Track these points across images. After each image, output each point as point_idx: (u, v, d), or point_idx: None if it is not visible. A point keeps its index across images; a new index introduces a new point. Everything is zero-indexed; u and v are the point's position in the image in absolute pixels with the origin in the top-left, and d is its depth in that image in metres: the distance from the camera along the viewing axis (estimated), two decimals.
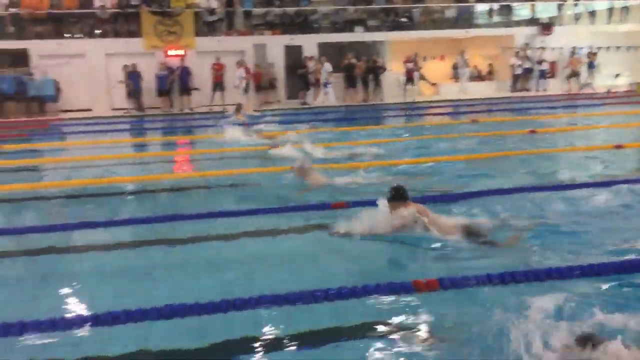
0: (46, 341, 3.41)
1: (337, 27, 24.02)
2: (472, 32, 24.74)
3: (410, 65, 22.54)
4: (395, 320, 3.44)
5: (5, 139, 13.99)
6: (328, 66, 21.85)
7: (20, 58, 21.47)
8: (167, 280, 4.53)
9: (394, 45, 24.27)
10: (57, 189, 7.99)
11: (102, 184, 8.29)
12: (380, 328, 3.33)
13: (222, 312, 3.39)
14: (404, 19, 24.67)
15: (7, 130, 16.29)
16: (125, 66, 20.97)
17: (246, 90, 21.60)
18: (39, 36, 21.81)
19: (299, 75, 22.25)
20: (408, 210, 5.06)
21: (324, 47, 23.18)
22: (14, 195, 7.61)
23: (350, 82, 22.50)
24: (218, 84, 21.54)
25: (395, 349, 3.14)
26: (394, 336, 3.33)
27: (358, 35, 23.74)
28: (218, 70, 21.51)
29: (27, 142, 13.45)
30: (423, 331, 3.34)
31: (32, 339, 3.40)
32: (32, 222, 6.33)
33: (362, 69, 22.41)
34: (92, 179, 8.65)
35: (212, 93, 21.65)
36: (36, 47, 21.37)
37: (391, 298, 3.62)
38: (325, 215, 5.98)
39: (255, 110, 19.76)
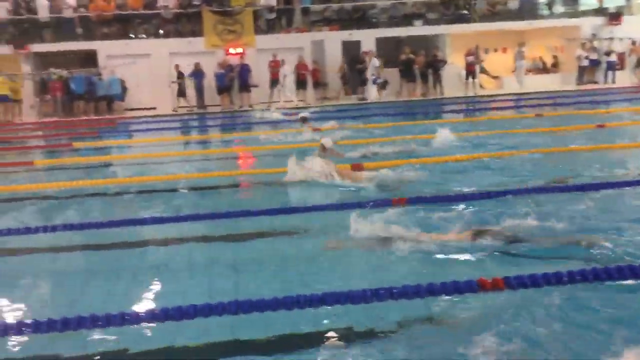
0: (115, 336, 3.56)
1: (395, 22, 23.81)
2: (536, 23, 23.98)
3: (471, 58, 22.06)
4: (459, 318, 3.39)
5: (76, 137, 14.64)
6: (376, 61, 21.71)
7: (89, 59, 22.40)
8: (232, 276, 4.63)
9: (454, 38, 23.85)
10: (125, 185, 8.26)
11: (167, 180, 8.51)
12: (444, 327, 3.29)
13: (287, 308, 3.43)
14: (464, 11, 24.20)
15: (78, 129, 17.04)
16: (177, 65, 21.56)
17: (271, 87, 21.79)
18: (107, 37, 22.65)
19: (357, 71, 22.18)
20: None
21: (382, 42, 23.05)
22: (84, 192, 7.92)
23: (409, 76, 22.27)
24: (275, 81, 21.78)
25: (460, 349, 3.11)
26: (458, 335, 3.30)
27: (417, 29, 23.46)
28: (275, 67, 21.74)
29: (96, 140, 14.00)
30: (485, 329, 3.29)
31: (103, 333, 3.55)
32: (103, 217, 6.52)
33: (422, 63, 22.13)
34: (158, 176, 8.90)
35: (270, 90, 21.92)
36: (104, 48, 22.21)
37: (454, 297, 3.59)
38: (385, 212, 5.95)
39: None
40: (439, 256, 4.74)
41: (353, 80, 22.68)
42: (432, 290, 3.45)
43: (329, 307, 3.57)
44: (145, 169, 9.69)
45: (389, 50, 22.58)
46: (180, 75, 21.54)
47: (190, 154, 11.00)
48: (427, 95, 22.23)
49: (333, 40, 23.03)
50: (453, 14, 24.07)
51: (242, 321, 3.51)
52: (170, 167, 9.88)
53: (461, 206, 6.13)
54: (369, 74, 21.79)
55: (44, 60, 22.58)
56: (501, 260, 4.60)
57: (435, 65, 22.04)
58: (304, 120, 13.28)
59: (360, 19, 23.76)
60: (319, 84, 22.48)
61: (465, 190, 6.92)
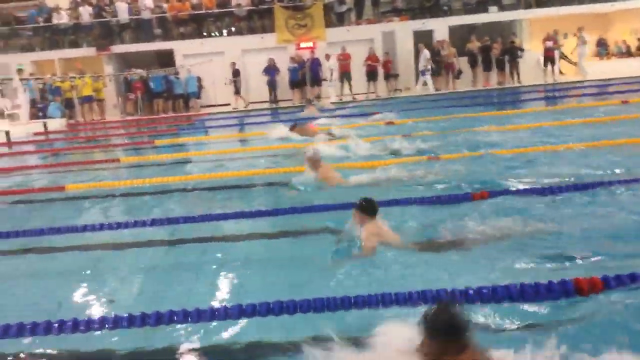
0: (194, 330, 3.63)
1: (469, 9, 23.16)
2: (619, 4, 22.63)
3: (550, 43, 21.15)
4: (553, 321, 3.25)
5: (156, 135, 15.19)
6: (427, 53, 21.23)
7: (167, 58, 23.17)
8: (313, 272, 4.62)
9: (531, 24, 22.95)
10: (204, 181, 8.44)
11: (244, 176, 8.65)
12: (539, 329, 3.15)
13: (344, 309, 3.41)
14: None
15: (157, 127, 17.66)
16: (233, 64, 21.90)
17: (341, 80, 21.71)
18: (183, 37, 23.35)
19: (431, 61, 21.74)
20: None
21: (455, 30, 22.52)
22: (166, 188, 8.17)
23: (485, 64, 21.63)
24: (345, 74, 21.71)
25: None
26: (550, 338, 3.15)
27: (493, 15, 22.73)
28: (344, 60, 21.68)
29: (175, 137, 14.45)
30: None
31: (180, 328, 3.63)
32: (183, 213, 6.66)
33: (498, 50, 21.42)
34: (234, 172, 9.06)
35: (340, 83, 21.89)
36: (180, 47, 22.92)
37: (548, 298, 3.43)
38: (466, 207, 5.81)
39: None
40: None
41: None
42: (526, 292, 3.31)
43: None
44: (222, 165, 9.87)
45: (463, 39, 21.99)
46: (236, 73, 21.89)
47: (266, 149, 11.12)
48: (503, 84, 21.54)
49: (404, 31, 22.70)
50: None
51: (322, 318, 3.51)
52: (246, 162, 10.04)
53: (546, 199, 5.90)
54: (420, 66, 21.43)
55: (124, 61, 23.58)
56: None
57: (512, 52, 21.28)
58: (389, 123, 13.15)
59: (432, 7, 23.28)
60: (390, 75, 22.24)
61: (549, 181, 6.64)
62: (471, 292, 3.43)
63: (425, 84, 21.44)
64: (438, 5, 23.29)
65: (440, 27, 22.49)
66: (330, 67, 21.58)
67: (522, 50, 21.45)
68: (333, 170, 7.46)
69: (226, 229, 6.02)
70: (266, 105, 21.88)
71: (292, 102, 21.86)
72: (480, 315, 3.44)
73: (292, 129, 11.83)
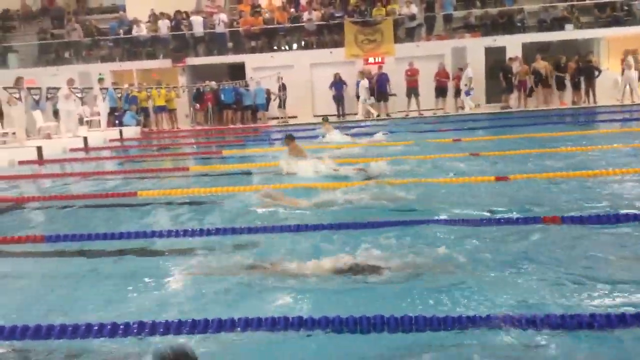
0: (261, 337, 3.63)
1: (544, 26, 22.55)
2: None
3: (630, 62, 20.25)
4: None
5: (224, 145, 15.54)
6: (469, 72, 20.74)
7: (238, 70, 23.75)
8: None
9: (610, 42, 22.08)
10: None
11: (306, 187, 8.64)
12: None
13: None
14: (622, 13, 22.33)
15: (226, 137, 18.08)
16: (279, 78, 22.17)
17: (408, 95, 21.56)
18: (254, 50, 23.90)
19: (502, 78, 21.26)
20: None
21: (527, 48, 21.97)
22: (229, 197, 8.29)
23: (558, 83, 20.97)
24: (412, 89, 21.55)
25: None
26: None
27: (569, 33, 22.03)
28: (412, 76, 21.54)
29: (242, 148, 14.73)
30: None
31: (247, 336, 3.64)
32: (245, 223, 6.71)
33: (573, 69, 20.71)
34: (296, 184, 9.09)
35: (407, 99, 21.75)
36: (251, 60, 23.45)
37: None
38: (534, 230, 5.60)
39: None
40: None
41: (496, 87, 21.84)
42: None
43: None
44: (285, 176, 9.91)
45: (535, 56, 21.40)
46: (282, 88, 22.13)
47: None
48: (578, 103, 20.77)
49: (475, 47, 22.34)
50: (609, 17, 22.29)
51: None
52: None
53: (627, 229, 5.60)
54: (462, 85, 20.99)
55: (197, 73, 24.34)
56: None
57: (588, 72, 20.51)
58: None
59: (506, 24, 22.82)
60: (460, 91, 21.92)
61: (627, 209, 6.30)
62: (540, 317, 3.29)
63: (462, 104, 21.23)
64: (512, 22, 22.81)
65: (513, 44, 22.00)
66: (364, 86, 21.49)
67: (599, 70, 20.62)
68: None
69: (285, 240, 6.00)
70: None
71: (358, 117, 21.89)
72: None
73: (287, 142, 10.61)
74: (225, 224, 6.54)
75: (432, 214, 6.41)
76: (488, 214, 6.33)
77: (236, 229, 6.22)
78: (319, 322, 3.54)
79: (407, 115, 21.38)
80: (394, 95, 22.06)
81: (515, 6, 23.34)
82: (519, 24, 22.79)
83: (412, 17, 23.08)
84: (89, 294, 4.72)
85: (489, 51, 22.30)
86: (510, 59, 21.33)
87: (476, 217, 6.23)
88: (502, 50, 22.11)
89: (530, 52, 21.80)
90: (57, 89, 16.79)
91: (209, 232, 6.12)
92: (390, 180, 8.30)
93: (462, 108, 21.47)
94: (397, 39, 22.96)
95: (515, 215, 6.22)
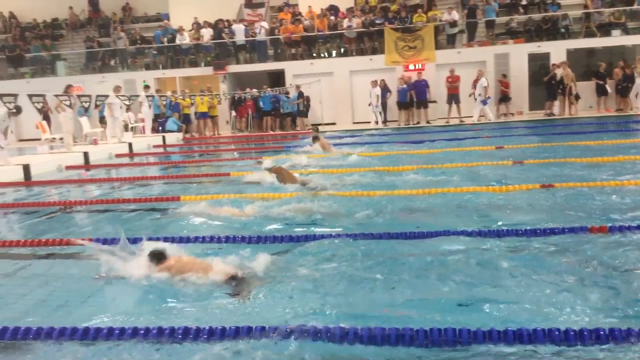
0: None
1: (589, 32, 22.04)
2: None
3: None
4: None
5: (263, 151, 15.67)
6: (484, 81, 20.45)
7: (277, 77, 23.97)
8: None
9: None
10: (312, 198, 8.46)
11: (346, 196, 8.62)
12: None
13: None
14: None
15: (265, 143, 18.23)
16: (297, 86, 22.21)
17: (449, 102, 21.35)
18: (294, 57, 24.08)
19: (546, 85, 20.84)
20: None
21: (572, 54, 21.50)
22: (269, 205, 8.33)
23: (600, 90, 20.48)
24: (453, 97, 21.33)
25: None
26: None
27: (616, 39, 21.48)
28: (452, 83, 21.33)
29: (281, 154, 14.79)
30: None
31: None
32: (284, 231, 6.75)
33: (619, 75, 20.16)
34: (336, 192, 9.07)
35: (448, 106, 21.54)
36: (291, 67, 23.63)
37: None
38: (583, 241, 5.46)
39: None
40: None
41: (540, 94, 21.44)
42: None
43: None
44: (330, 183, 9.91)
45: (581, 62, 20.95)
46: (300, 96, 22.28)
47: (369, 170, 11.11)
48: (625, 110, 20.20)
49: (518, 53, 22.00)
50: None
51: None
52: (351, 181, 10.02)
53: None
54: (477, 95, 20.70)
55: (237, 80, 24.66)
56: None
57: (635, 79, 19.93)
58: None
59: (551, 29, 22.40)
60: (504, 98, 21.62)
61: None
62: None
63: (482, 113, 20.91)
64: (556, 28, 22.37)
65: (557, 50, 21.56)
66: (376, 94, 21.40)
67: None
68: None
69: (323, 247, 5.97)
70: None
71: (399, 124, 21.79)
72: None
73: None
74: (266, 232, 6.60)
75: (473, 224, 6.32)
76: (532, 223, 6.19)
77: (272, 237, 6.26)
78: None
79: (447, 122, 21.17)
80: (434, 102, 21.89)
81: (560, 12, 22.89)
82: (563, 30, 22.35)
83: (454, 24, 22.88)
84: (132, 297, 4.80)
85: (532, 57, 21.92)
86: (554, 65, 20.90)
87: (520, 226, 6.10)
88: (546, 56, 21.70)
89: (575, 58, 21.35)
90: (105, 96, 17.27)
91: (249, 240, 6.17)
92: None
93: (512, 114, 21.33)
94: (437, 46, 22.80)
95: (560, 225, 6.07)
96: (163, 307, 4.45)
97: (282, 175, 9.19)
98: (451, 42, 23.20)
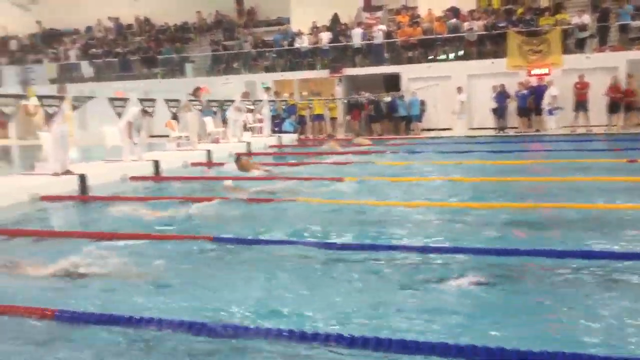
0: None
1: None
2: None
3: None
4: None
5: (376, 154, 15.64)
6: (553, 90, 19.00)
7: (393, 80, 23.88)
8: None
9: None
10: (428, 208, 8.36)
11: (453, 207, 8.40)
12: None
13: None
14: None
15: (378, 147, 18.12)
16: (361, 93, 22.31)
17: (576, 110, 20.21)
18: (410, 61, 23.88)
19: None
20: None
21: None
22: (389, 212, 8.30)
23: None
24: (581, 104, 20.12)
25: None
26: None
27: None
28: (581, 89, 20.12)
29: (395, 160, 14.70)
30: None
31: None
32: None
33: None
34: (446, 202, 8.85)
35: (574, 113, 20.35)
36: (407, 71, 23.46)
37: None
38: None
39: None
40: None
41: None
42: None
43: None
44: (439, 193, 9.74)
45: None
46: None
47: (482, 180, 10.76)
48: None
49: None
50: None
51: None
52: (467, 191, 9.76)
53: None
54: (544, 104, 19.42)
55: (352, 83, 24.86)
56: None
57: None
58: None
59: None
60: (632, 108, 20.07)
61: None
62: None
63: (549, 121, 19.87)
64: None
65: None
66: (460, 100, 20.55)
67: None
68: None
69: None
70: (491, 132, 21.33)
71: (518, 130, 20.93)
72: None
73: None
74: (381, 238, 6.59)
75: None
76: None
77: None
78: None
79: (573, 131, 20.01)
80: (560, 108, 20.76)
81: None
82: None
83: (583, 27, 21.57)
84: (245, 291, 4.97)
85: None
86: None
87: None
88: None
89: None
90: (232, 101, 18.29)
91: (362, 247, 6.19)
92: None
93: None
94: (565, 50, 21.60)
95: None
96: None
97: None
98: (580, 46, 21.89)
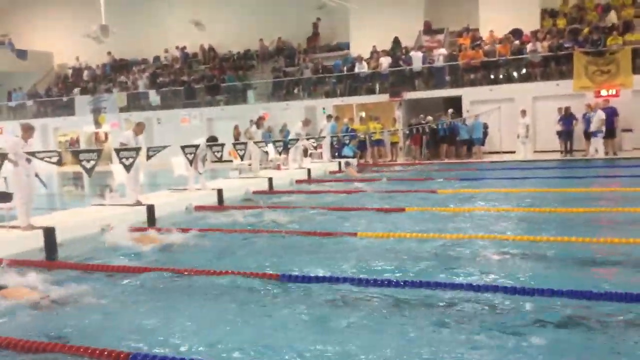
0: None
1: None
2: None
3: None
4: None
5: (439, 183, 15.41)
6: (601, 114, 18.34)
7: (454, 103, 23.60)
8: None
9: None
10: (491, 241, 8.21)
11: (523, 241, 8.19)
12: None
13: None
14: None
15: (441, 172, 17.90)
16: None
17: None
18: (472, 83, 23.57)
19: None
20: None
21: None
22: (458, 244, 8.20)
23: None
24: None
25: None
26: None
27: None
28: None
29: (457, 188, 14.46)
30: None
31: None
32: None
33: None
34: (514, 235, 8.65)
35: None
36: (468, 94, 23.16)
37: None
38: None
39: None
40: None
41: None
42: None
43: None
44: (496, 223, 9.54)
45: None
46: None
47: (549, 212, 10.44)
48: None
49: None
50: None
51: None
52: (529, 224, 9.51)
53: None
54: (593, 127, 18.77)
55: (412, 106, 24.73)
56: None
57: None
58: None
59: None
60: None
61: None
62: None
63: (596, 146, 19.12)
64: None
65: None
66: (524, 123, 20.13)
67: None
68: None
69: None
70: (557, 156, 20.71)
71: (584, 154, 20.20)
72: None
73: None
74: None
75: None
76: None
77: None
78: None
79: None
80: (629, 130, 19.94)
81: None
82: None
83: None
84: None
85: None
86: None
87: None
88: None
89: None
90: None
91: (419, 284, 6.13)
92: None
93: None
94: (635, 70, 20.78)
95: None
96: None
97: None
98: None
